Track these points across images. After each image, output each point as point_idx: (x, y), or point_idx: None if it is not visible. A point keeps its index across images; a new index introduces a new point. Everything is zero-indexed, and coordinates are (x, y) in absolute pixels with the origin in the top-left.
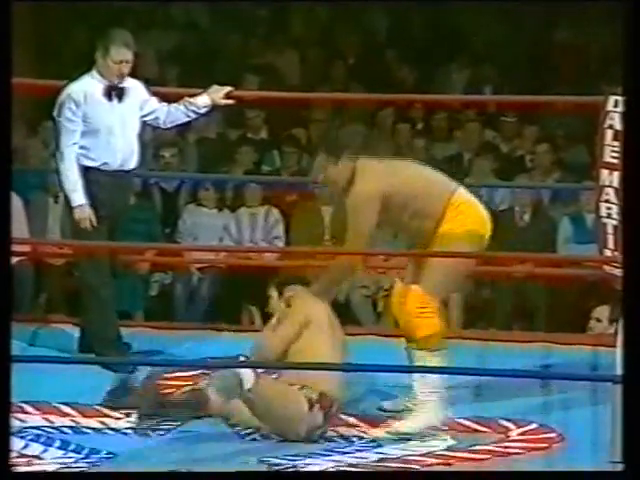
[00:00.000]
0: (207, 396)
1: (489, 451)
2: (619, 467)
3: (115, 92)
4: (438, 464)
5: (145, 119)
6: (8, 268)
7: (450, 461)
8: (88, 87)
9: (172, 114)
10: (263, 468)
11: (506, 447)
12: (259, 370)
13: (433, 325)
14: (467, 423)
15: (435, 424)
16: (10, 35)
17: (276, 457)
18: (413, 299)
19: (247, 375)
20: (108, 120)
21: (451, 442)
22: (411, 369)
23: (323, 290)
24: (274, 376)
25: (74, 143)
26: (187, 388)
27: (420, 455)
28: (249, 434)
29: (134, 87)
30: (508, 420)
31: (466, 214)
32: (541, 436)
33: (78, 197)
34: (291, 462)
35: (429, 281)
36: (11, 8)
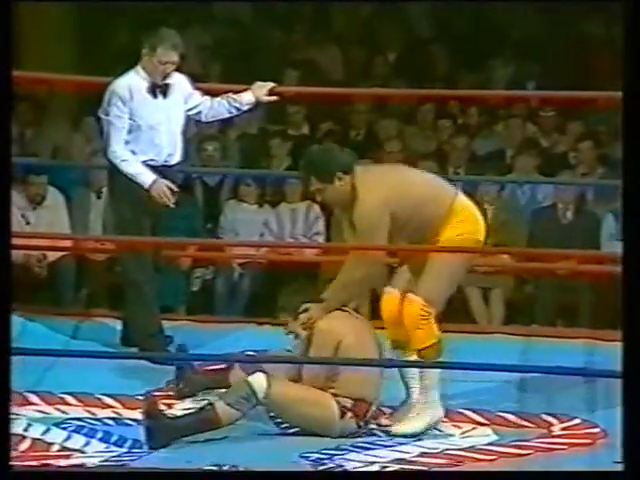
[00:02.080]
0: (217, 414)
1: (532, 447)
2: (619, 467)
3: (159, 89)
4: (480, 459)
5: (188, 113)
6: (8, 261)
7: (492, 456)
8: (133, 83)
9: (214, 109)
10: (304, 463)
11: (549, 442)
12: (273, 376)
13: (433, 335)
14: (510, 418)
15: (437, 420)
16: (10, 33)
17: (316, 452)
18: (413, 310)
19: (259, 384)
20: (153, 117)
21: (494, 437)
22: (444, 365)
23: (337, 299)
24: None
25: (123, 138)
26: (194, 409)
27: (462, 449)
28: (289, 428)
29: (178, 82)
30: (551, 415)
31: (466, 221)
32: (584, 432)
33: (147, 176)
34: (332, 457)
35: (429, 289)
36: (11, 8)
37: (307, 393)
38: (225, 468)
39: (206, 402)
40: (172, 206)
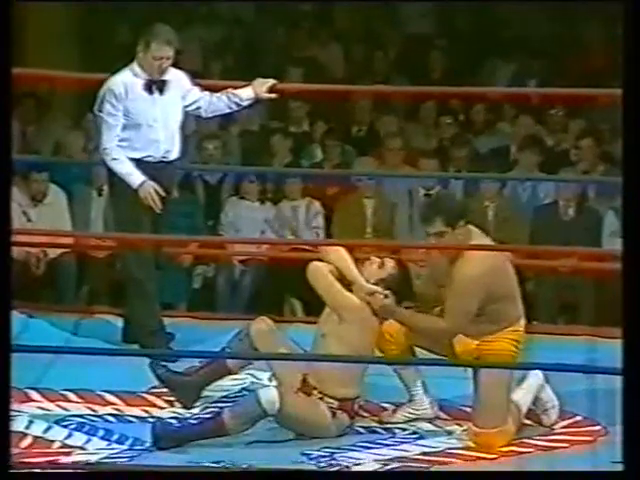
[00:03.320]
0: (224, 424)
1: (533, 445)
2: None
3: (156, 86)
4: (481, 458)
5: (187, 109)
6: (8, 257)
7: (493, 455)
8: (129, 81)
9: (214, 104)
10: (304, 461)
11: (550, 440)
12: (283, 389)
13: None
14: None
15: (424, 415)
16: (10, 32)
17: (317, 450)
18: None
19: (270, 403)
20: (150, 114)
21: None
22: (443, 363)
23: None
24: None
25: (116, 136)
26: (202, 416)
27: (462, 449)
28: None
29: (176, 78)
30: None
31: (520, 340)
32: (586, 429)
33: (136, 177)
34: (332, 455)
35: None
36: (11, 8)
37: (310, 404)
38: (226, 466)
39: (215, 411)
40: (158, 211)
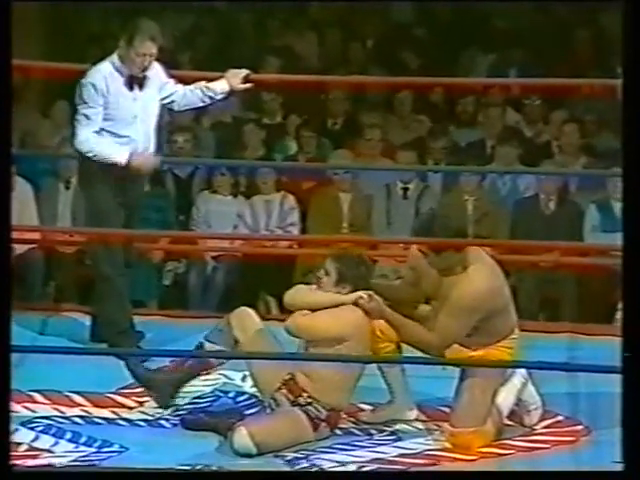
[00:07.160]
0: None
1: (513, 446)
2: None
3: (136, 81)
4: (460, 459)
5: (162, 102)
6: (8, 256)
7: (472, 456)
8: (109, 75)
9: (187, 97)
10: (280, 463)
11: (531, 441)
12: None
13: None
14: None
15: (403, 417)
16: (10, 31)
17: (293, 452)
18: None
19: (244, 446)
20: (129, 109)
21: None
22: (424, 361)
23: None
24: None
25: (95, 128)
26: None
27: (441, 450)
28: None
29: (154, 72)
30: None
31: (513, 347)
32: (567, 429)
33: (121, 154)
34: (308, 457)
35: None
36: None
37: (282, 421)
38: (198, 468)
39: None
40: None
